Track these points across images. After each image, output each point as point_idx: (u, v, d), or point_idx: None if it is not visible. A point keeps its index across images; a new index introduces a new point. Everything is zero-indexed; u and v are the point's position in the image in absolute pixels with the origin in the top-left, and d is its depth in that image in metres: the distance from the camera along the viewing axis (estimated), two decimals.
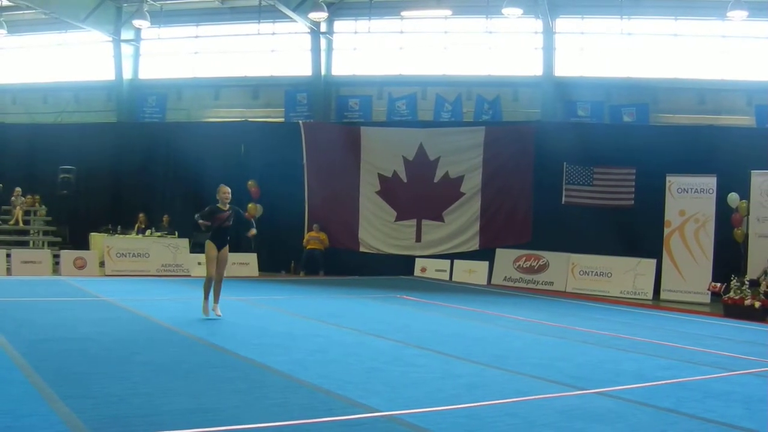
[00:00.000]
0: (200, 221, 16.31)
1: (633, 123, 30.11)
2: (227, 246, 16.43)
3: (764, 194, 24.89)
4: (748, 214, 25.22)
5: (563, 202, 28.87)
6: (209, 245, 16.18)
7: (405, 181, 30.93)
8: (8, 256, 26.05)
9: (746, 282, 22.25)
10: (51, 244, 29.52)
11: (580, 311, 21.77)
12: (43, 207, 30.67)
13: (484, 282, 29.01)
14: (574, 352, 14.01)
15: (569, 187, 28.87)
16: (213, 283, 16.16)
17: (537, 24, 31.41)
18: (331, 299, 22.47)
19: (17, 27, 35.21)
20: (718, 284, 23.26)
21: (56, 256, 27.22)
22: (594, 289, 27.11)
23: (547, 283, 28.33)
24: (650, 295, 26.11)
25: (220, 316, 16.06)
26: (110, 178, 32.36)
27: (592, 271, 27.58)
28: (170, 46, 36.02)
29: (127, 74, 35.48)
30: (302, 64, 33.89)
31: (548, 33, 31.15)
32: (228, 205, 16.36)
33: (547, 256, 28.63)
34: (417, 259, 30.73)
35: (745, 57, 29.60)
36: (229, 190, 16.48)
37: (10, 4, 31.75)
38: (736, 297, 21.80)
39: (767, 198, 24.87)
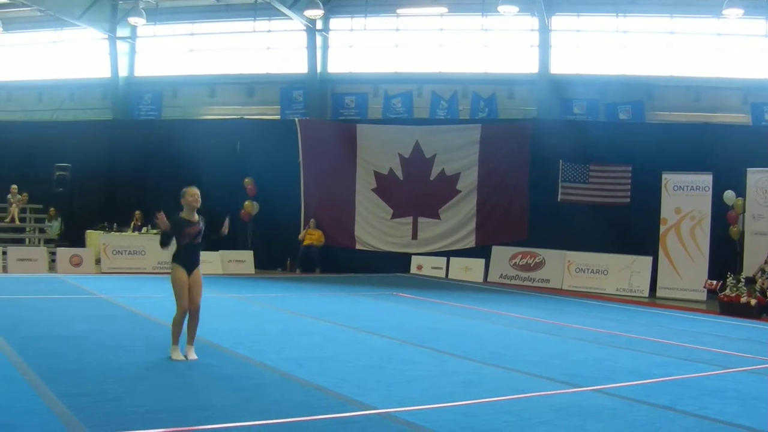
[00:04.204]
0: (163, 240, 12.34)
1: (629, 121, 30.09)
2: (199, 267, 12.24)
3: (760, 192, 24.90)
4: (743, 211, 25.24)
5: (559, 200, 28.83)
6: (176, 270, 12.01)
7: (401, 178, 30.90)
8: (4, 253, 26.09)
9: (742, 279, 22.23)
10: (47, 242, 29.50)
11: (576, 309, 21.77)
12: (59, 219, 30.78)
13: (481, 279, 28.98)
14: (570, 349, 14.02)
15: (565, 184, 28.85)
16: (189, 318, 11.98)
17: (533, 21, 31.40)
18: (327, 297, 22.45)
19: (13, 24, 35.17)
20: (714, 282, 23.25)
21: (52, 253, 27.23)
22: (590, 286, 27.08)
23: (543, 280, 28.31)
24: (646, 293, 26.09)
25: (195, 359, 11.69)
26: (106, 176, 32.26)
27: (588, 269, 27.56)
28: (166, 43, 35.97)
29: (122, 72, 35.41)
30: (298, 62, 33.86)
31: (544, 30, 31.14)
32: (197, 215, 12.14)
33: (543, 253, 28.61)
34: (413, 257, 30.69)
35: (741, 55, 29.59)
36: (199, 193, 12.10)
37: (6, 1, 31.69)
38: (732, 294, 21.81)
39: (763, 195, 24.87)
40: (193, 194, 11.98)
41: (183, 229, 11.92)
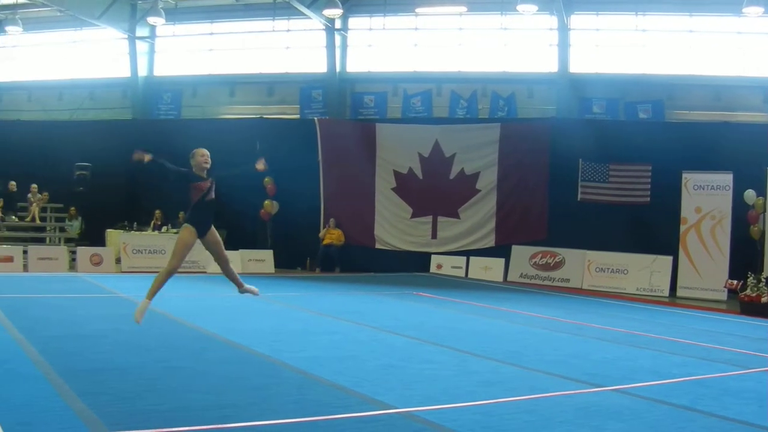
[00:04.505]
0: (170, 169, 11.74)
1: (648, 120, 30.01)
2: (213, 228, 11.95)
3: None
4: (764, 210, 25.14)
5: (579, 199, 28.78)
6: (185, 230, 11.74)
7: (421, 177, 30.91)
8: (25, 252, 26.20)
9: (763, 279, 22.15)
10: (67, 241, 29.62)
11: (596, 308, 21.74)
12: (80, 219, 30.92)
13: (500, 279, 28.95)
14: (590, 349, 13.98)
15: (585, 184, 28.79)
16: (224, 271, 12.29)
17: (552, 20, 31.34)
18: (346, 296, 22.46)
19: (33, 24, 35.28)
20: (735, 281, 23.16)
21: (73, 252, 27.33)
22: (610, 286, 27.01)
23: (563, 279, 28.27)
24: (666, 292, 26.01)
25: (258, 293, 12.95)
26: (126, 175, 32.18)
27: (608, 268, 27.49)
28: (185, 43, 36.07)
29: (142, 71, 35.52)
30: (317, 61, 33.90)
31: (563, 30, 31.08)
32: (207, 174, 11.80)
33: (563, 253, 28.55)
34: (433, 256, 30.69)
35: (761, 53, 29.45)
36: (209, 154, 11.83)
37: (26, 1, 31.82)
38: (753, 294, 21.72)
39: None
40: (203, 154, 11.75)
41: (193, 182, 11.67)
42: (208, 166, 11.77)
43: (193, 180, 11.65)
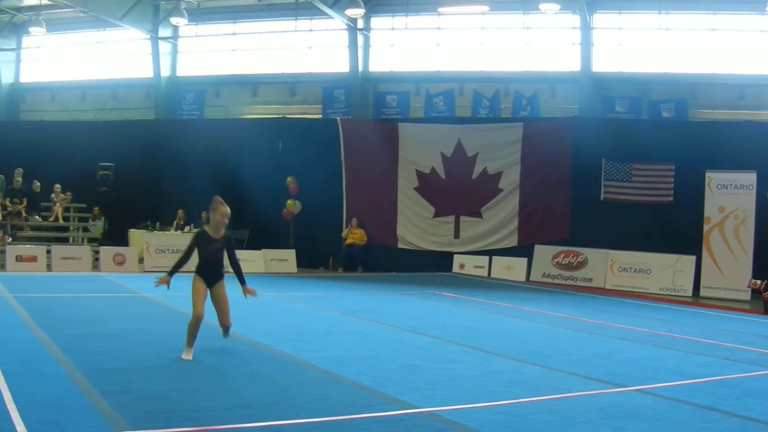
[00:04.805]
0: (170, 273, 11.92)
1: (672, 119, 29.90)
2: (223, 279, 12.05)
3: None
4: None
5: (602, 199, 28.66)
6: (195, 280, 11.81)
7: (443, 177, 30.85)
8: (48, 252, 26.29)
9: None
10: (91, 241, 29.72)
11: (619, 308, 21.65)
12: (103, 218, 31.00)
13: (523, 278, 28.88)
14: (613, 349, 13.93)
15: (608, 183, 28.68)
16: (220, 322, 12.41)
17: (574, 19, 31.28)
18: (369, 295, 22.47)
19: (56, 25, 35.52)
20: (759, 281, 23.03)
21: (96, 252, 27.41)
22: (633, 285, 26.90)
23: (586, 279, 28.17)
24: (690, 292, 25.88)
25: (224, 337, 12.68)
26: (149, 175, 32.41)
27: (631, 268, 27.38)
28: (208, 43, 36.18)
29: (165, 71, 35.67)
30: (339, 61, 33.96)
31: (586, 28, 31.00)
32: (223, 231, 11.85)
33: (586, 252, 28.45)
34: (455, 256, 30.60)
35: None
36: (229, 213, 11.80)
37: (49, 2, 31.97)
38: None
39: None
40: (223, 213, 11.72)
41: (204, 245, 11.77)
42: (225, 225, 11.80)
43: (206, 243, 11.77)
